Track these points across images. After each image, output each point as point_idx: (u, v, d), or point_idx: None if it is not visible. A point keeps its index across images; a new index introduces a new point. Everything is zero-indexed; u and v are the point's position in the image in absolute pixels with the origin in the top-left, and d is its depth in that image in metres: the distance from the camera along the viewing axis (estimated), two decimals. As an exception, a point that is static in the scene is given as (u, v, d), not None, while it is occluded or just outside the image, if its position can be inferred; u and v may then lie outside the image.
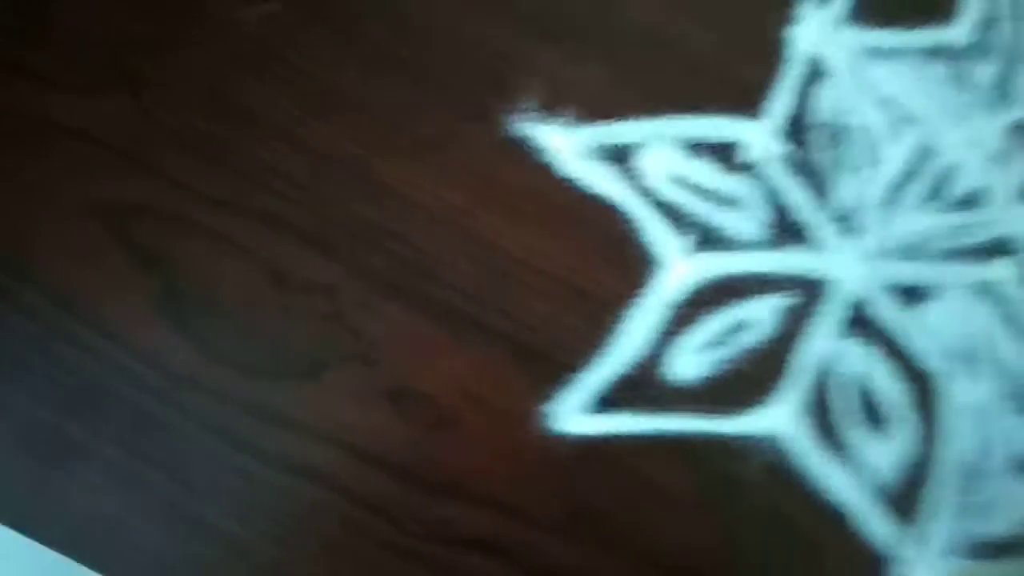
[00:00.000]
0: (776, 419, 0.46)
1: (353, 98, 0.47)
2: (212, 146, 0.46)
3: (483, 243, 0.47)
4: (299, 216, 0.46)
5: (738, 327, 0.47)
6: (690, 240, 0.48)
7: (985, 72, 0.51)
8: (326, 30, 0.48)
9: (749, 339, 0.47)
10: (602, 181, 0.48)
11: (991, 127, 0.50)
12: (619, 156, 0.49)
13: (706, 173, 0.49)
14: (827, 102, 0.50)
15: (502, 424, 0.45)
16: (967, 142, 0.50)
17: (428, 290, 0.46)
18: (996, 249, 0.49)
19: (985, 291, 0.48)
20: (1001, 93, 0.51)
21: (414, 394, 0.45)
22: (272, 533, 0.44)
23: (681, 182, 0.49)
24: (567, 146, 0.48)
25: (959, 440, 0.47)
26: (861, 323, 0.47)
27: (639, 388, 0.46)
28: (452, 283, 0.46)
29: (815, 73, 0.50)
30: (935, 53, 0.51)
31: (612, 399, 0.46)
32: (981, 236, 0.49)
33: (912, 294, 0.48)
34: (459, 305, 0.46)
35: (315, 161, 0.47)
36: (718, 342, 0.47)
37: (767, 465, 0.45)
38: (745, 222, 0.48)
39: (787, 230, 0.48)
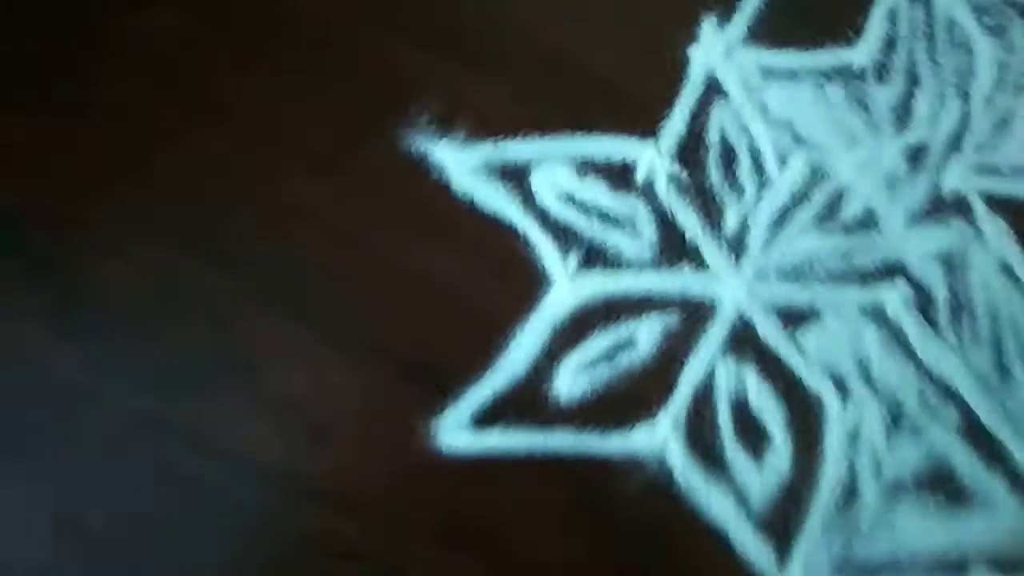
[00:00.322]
0: (656, 438, 0.47)
1: (249, 111, 0.48)
2: (105, 154, 0.48)
3: (375, 258, 0.47)
4: (190, 227, 0.47)
5: (621, 346, 0.48)
6: (577, 259, 0.48)
7: (884, 94, 0.52)
8: (222, 44, 0.49)
9: (632, 358, 0.47)
10: (495, 199, 0.48)
11: (886, 150, 0.51)
12: (513, 174, 0.49)
13: (597, 192, 0.49)
14: (721, 123, 0.50)
15: (384, 438, 0.46)
16: (861, 165, 0.50)
17: (316, 304, 0.47)
18: (885, 272, 0.49)
19: (871, 314, 0.49)
20: (899, 116, 0.51)
21: (298, 407, 0.46)
22: (155, 540, 0.45)
23: (572, 201, 0.49)
24: (462, 163, 0.49)
25: (837, 463, 0.47)
26: (744, 344, 0.48)
27: (522, 405, 0.46)
28: (341, 297, 0.47)
29: (711, 94, 0.51)
30: (833, 74, 0.51)
31: (495, 416, 0.46)
32: (870, 259, 0.49)
33: (797, 316, 0.48)
34: (347, 319, 0.47)
35: (207, 173, 0.48)
36: (601, 361, 0.47)
37: (646, 484, 0.46)
38: (633, 242, 0.49)
39: (674, 250, 0.49)
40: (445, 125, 0.49)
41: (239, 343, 0.46)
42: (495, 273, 0.48)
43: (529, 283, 0.48)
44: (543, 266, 0.48)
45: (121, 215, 0.47)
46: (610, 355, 0.47)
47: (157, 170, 0.47)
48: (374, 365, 0.46)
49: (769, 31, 0.51)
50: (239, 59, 0.48)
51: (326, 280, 0.47)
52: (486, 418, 0.46)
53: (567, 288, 0.48)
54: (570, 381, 0.47)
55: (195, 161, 0.48)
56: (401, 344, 0.46)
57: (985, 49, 0.52)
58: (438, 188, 0.48)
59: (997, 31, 0.52)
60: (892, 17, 0.52)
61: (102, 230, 0.47)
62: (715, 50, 0.50)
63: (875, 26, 0.51)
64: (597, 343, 0.47)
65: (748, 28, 0.51)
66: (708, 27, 0.51)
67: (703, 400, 0.47)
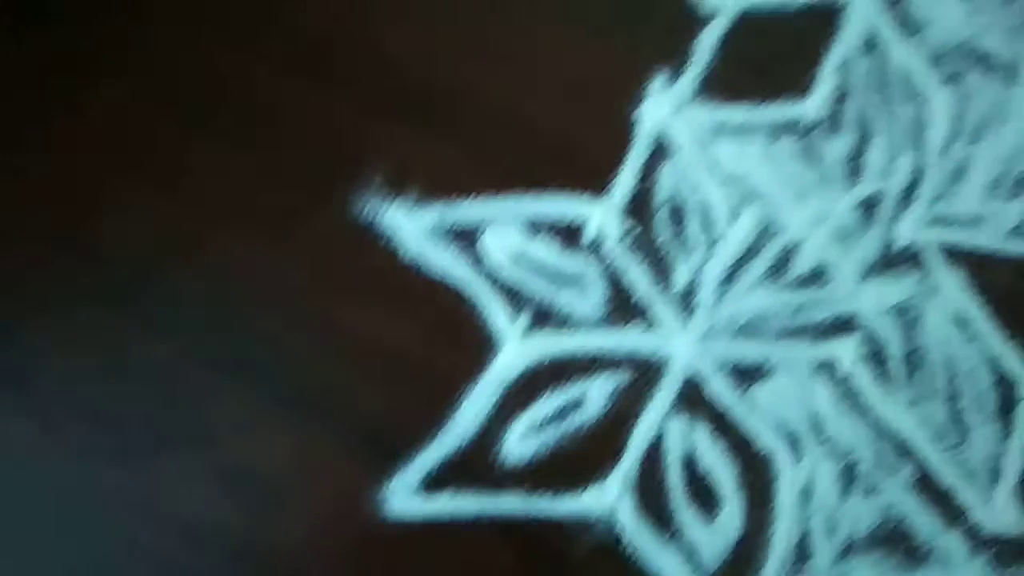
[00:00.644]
0: (606, 499, 0.47)
1: (198, 177, 0.49)
2: (57, 227, 0.49)
3: (325, 324, 0.48)
4: (140, 296, 0.48)
5: (571, 407, 0.48)
6: (527, 319, 0.49)
7: (835, 147, 0.51)
8: (174, 111, 0.50)
9: (582, 419, 0.47)
10: (446, 261, 0.49)
11: (838, 203, 0.50)
12: (463, 235, 0.49)
13: (547, 252, 0.49)
14: (671, 180, 0.50)
15: (334, 504, 0.46)
16: (812, 219, 0.50)
17: (267, 371, 0.47)
18: (836, 327, 0.49)
19: (824, 370, 0.49)
20: (851, 169, 0.51)
21: (249, 473, 0.47)
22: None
23: (522, 261, 0.49)
24: (412, 226, 0.49)
25: (790, 522, 0.47)
26: (695, 402, 0.48)
27: (471, 469, 0.46)
28: (292, 363, 0.47)
29: (661, 150, 0.51)
30: (784, 128, 0.51)
31: (444, 480, 0.46)
32: (821, 314, 0.49)
33: (748, 373, 0.48)
34: (298, 385, 0.47)
35: (158, 240, 0.49)
36: (551, 422, 0.47)
37: (596, 545, 0.46)
38: (583, 301, 0.49)
39: (624, 308, 0.49)
40: (395, 189, 0.49)
41: (190, 410, 0.47)
42: (445, 336, 0.48)
43: (479, 345, 0.48)
44: (493, 327, 0.48)
45: (66, 282, 0.48)
46: (560, 416, 0.48)
47: (104, 238, 0.48)
48: (324, 430, 0.47)
49: (719, 86, 0.51)
50: (188, 129, 0.50)
51: (276, 346, 0.47)
52: (435, 482, 0.46)
53: (517, 349, 0.48)
54: (520, 443, 0.47)
55: (142, 229, 0.49)
56: (351, 409, 0.47)
57: (940, 99, 0.51)
58: (388, 252, 0.49)
59: (952, 80, 0.52)
60: (844, 69, 0.51)
61: (50, 296, 0.48)
62: (665, 107, 0.50)
63: (826, 78, 0.51)
64: (547, 404, 0.47)
65: (698, 84, 0.51)
66: (658, 84, 0.51)
67: (654, 460, 0.47)
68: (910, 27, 0.52)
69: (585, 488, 0.47)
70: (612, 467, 0.47)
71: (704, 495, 0.47)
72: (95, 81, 0.50)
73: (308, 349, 0.47)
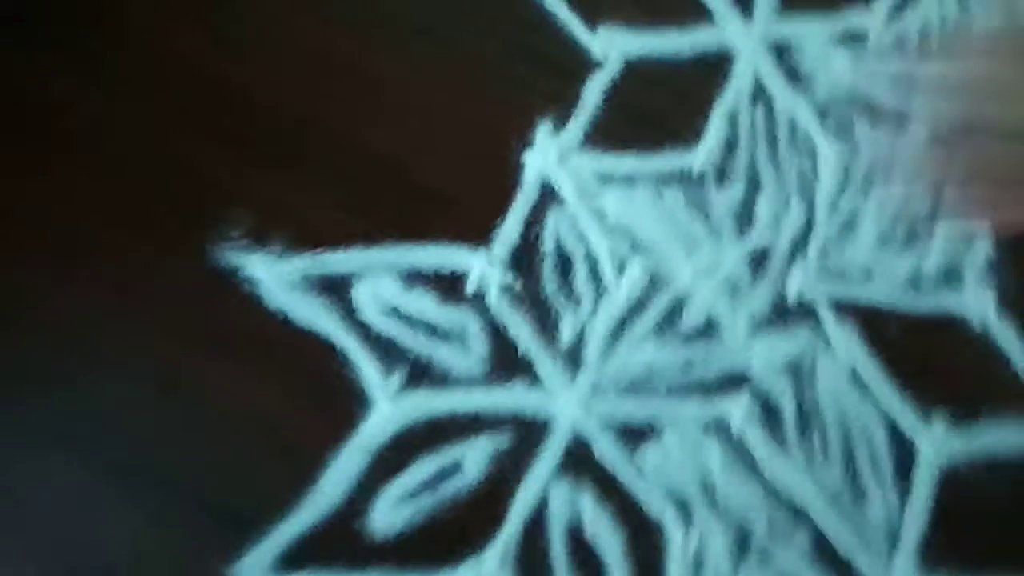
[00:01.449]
0: (485, 572, 0.43)
1: (42, 232, 0.45)
2: None
3: (178, 387, 0.44)
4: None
5: (446, 472, 0.44)
6: (401, 377, 0.45)
7: (724, 199, 0.50)
8: (15, 155, 0.46)
9: (458, 485, 0.44)
10: (313, 314, 0.45)
11: (728, 256, 0.49)
12: (334, 287, 0.46)
13: (424, 305, 0.46)
14: (556, 230, 0.48)
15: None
16: (701, 271, 0.48)
17: (105, 442, 0.43)
18: (727, 384, 0.47)
19: (714, 430, 0.46)
20: (740, 221, 0.50)
21: (79, 557, 0.42)
22: None
23: (397, 314, 0.46)
24: (278, 276, 0.46)
25: (679, 593, 0.44)
26: (579, 465, 0.45)
27: (333, 543, 0.42)
28: (134, 431, 0.43)
29: (546, 200, 0.49)
30: (672, 179, 0.50)
31: (302, 556, 0.42)
32: (711, 371, 0.47)
33: (636, 433, 0.45)
34: (140, 455, 0.43)
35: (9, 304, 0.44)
36: (424, 489, 0.43)
37: (472, 624, 0.43)
38: (462, 357, 0.46)
39: (506, 365, 0.46)
40: (260, 237, 0.46)
41: (24, 486, 0.43)
42: (309, 396, 0.44)
43: (347, 405, 0.44)
44: (364, 385, 0.45)
45: None
46: (434, 483, 0.44)
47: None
48: (170, 505, 0.42)
49: (606, 135, 0.49)
50: (34, 173, 0.45)
51: (116, 412, 0.43)
52: (293, 559, 0.42)
53: (388, 410, 0.44)
54: (389, 514, 0.43)
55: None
56: (200, 481, 0.42)
57: (828, 151, 0.50)
58: (249, 304, 0.45)
59: (840, 132, 0.51)
60: (732, 120, 0.50)
61: None
62: (549, 155, 0.48)
63: (714, 129, 0.50)
64: (419, 470, 0.44)
65: (584, 132, 0.49)
66: (542, 132, 0.49)
67: (535, 529, 0.44)
68: (797, 78, 0.52)
69: (461, 563, 0.43)
70: (491, 537, 0.43)
71: (589, 566, 0.43)
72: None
73: (153, 415, 0.43)
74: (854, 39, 0.52)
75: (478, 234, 0.47)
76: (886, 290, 0.49)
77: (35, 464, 0.42)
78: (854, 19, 0.52)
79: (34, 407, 0.43)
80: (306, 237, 0.46)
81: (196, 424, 0.44)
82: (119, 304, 0.44)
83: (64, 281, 0.44)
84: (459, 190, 0.48)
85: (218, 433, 0.43)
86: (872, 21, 0.52)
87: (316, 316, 0.45)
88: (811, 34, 0.52)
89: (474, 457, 0.44)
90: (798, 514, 0.45)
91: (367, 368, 0.45)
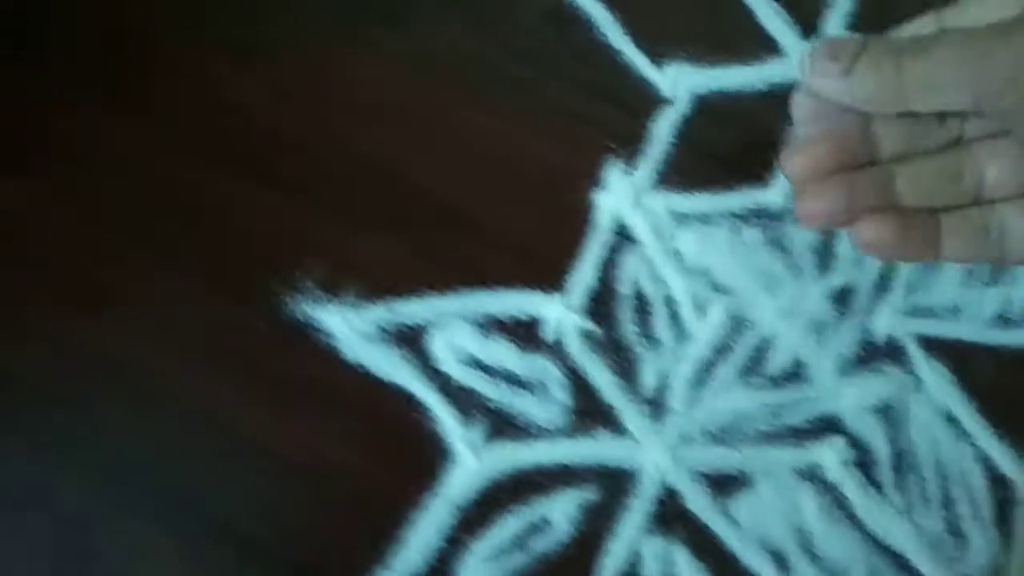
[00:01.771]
0: (577, 633, 0.42)
1: (115, 289, 0.44)
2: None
3: (249, 444, 0.42)
4: (38, 424, 0.42)
5: (535, 528, 0.42)
6: (483, 429, 0.44)
7: (803, 235, 0.49)
8: (80, 216, 0.45)
9: (548, 541, 0.42)
10: (389, 366, 0.44)
11: (810, 295, 0.48)
12: (410, 337, 0.45)
13: (501, 354, 0.45)
14: (633, 273, 0.47)
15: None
16: (784, 311, 0.47)
17: (182, 506, 0.41)
18: (819, 429, 0.45)
19: (808, 477, 0.45)
20: (821, 257, 0.49)
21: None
22: None
23: (475, 364, 0.45)
24: (352, 327, 0.44)
25: (782, 650, 0.42)
26: (671, 518, 0.43)
27: (423, 602, 0.41)
28: (209, 494, 0.41)
29: (621, 242, 0.48)
30: (749, 216, 0.49)
31: (392, 616, 0.41)
32: (801, 415, 0.45)
33: (727, 483, 0.44)
34: (217, 520, 0.41)
35: (76, 364, 0.43)
36: (512, 547, 0.42)
37: None
38: (543, 406, 0.44)
39: (589, 415, 0.44)
40: (333, 287, 0.45)
41: (93, 553, 0.41)
42: (389, 450, 0.43)
43: (429, 460, 0.43)
44: (445, 440, 0.43)
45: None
46: (523, 539, 0.42)
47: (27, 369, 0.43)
48: (248, 565, 0.41)
49: (679, 174, 0.48)
50: (100, 230, 0.44)
51: (198, 474, 0.41)
52: (382, 620, 0.41)
53: (472, 464, 0.43)
54: (479, 572, 0.42)
55: (57, 350, 0.43)
56: (281, 539, 0.41)
57: (906, 184, 0.50)
58: (325, 357, 0.44)
59: (917, 165, 0.51)
60: (807, 154, 0.50)
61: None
62: (623, 196, 0.47)
63: (790, 164, 0.50)
64: (507, 526, 0.42)
65: (656, 171, 0.49)
66: (614, 172, 0.48)
67: (629, 586, 0.43)
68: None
69: (553, 622, 0.42)
70: (583, 596, 0.42)
71: (687, 624, 0.43)
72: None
73: (228, 476, 0.41)
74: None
75: (552, 279, 0.46)
76: (975, 326, 0.47)
77: (109, 525, 0.41)
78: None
79: (120, 465, 0.42)
80: (379, 286, 0.45)
81: (274, 480, 0.42)
82: (193, 356, 0.43)
83: (139, 334, 0.44)
84: (531, 234, 0.46)
85: (296, 489, 0.42)
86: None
87: (394, 367, 0.44)
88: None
89: (562, 511, 0.43)
90: (898, 560, 0.43)
91: (448, 420, 0.43)
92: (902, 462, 0.45)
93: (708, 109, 0.50)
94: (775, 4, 0.51)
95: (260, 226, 0.45)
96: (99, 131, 0.46)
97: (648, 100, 0.49)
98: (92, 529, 0.41)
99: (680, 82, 0.50)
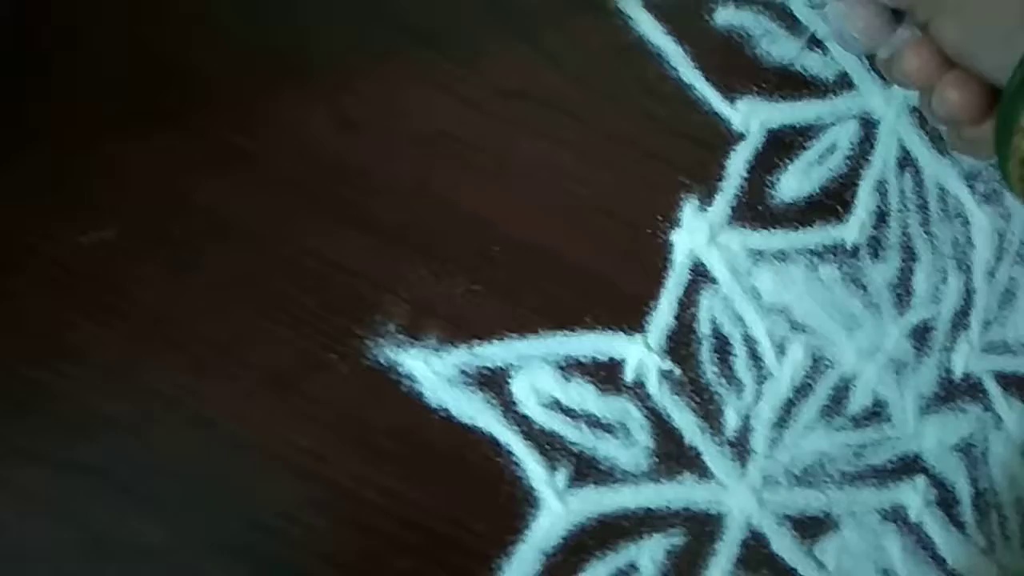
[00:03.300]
0: None
1: (190, 330, 0.43)
2: (32, 393, 0.43)
3: (337, 491, 0.42)
4: (122, 468, 0.41)
5: (622, 574, 0.43)
6: (567, 473, 0.44)
7: (880, 272, 0.49)
8: (161, 257, 0.44)
9: (635, 586, 0.43)
10: (472, 410, 0.43)
11: (889, 333, 0.48)
12: (491, 381, 0.44)
13: (583, 396, 0.44)
14: (711, 312, 0.46)
15: None
16: (864, 350, 0.47)
17: (271, 553, 0.41)
18: (902, 470, 0.46)
19: (892, 518, 0.45)
20: (898, 294, 0.48)
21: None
22: None
23: (557, 407, 0.44)
24: (435, 372, 0.44)
25: None
26: (758, 562, 0.43)
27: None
28: (299, 541, 0.41)
29: (698, 281, 0.47)
30: (826, 253, 0.49)
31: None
32: (883, 455, 0.45)
33: (812, 525, 0.44)
34: (308, 566, 0.41)
35: (145, 403, 0.43)
36: (600, 592, 0.43)
37: None
38: (627, 450, 0.44)
39: (672, 458, 0.44)
40: (412, 331, 0.44)
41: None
42: (474, 496, 0.42)
43: (513, 506, 0.42)
44: (528, 484, 0.43)
45: (47, 459, 0.42)
46: (610, 586, 0.43)
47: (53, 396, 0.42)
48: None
49: (753, 211, 0.48)
50: (171, 272, 0.44)
51: (280, 522, 0.40)
52: (474, 672, 0.41)
53: (558, 508, 0.43)
54: (567, 619, 0.42)
55: (113, 381, 0.43)
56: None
57: (981, 218, 0.49)
58: (408, 402, 0.43)
59: (991, 198, 0.50)
60: (881, 189, 0.49)
61: (23, 476, 0.41)
62: (699, 234, 0.47)
63: (864, 199, 0.48)
64: (595, 574, 0.43)
65: (731, 208, 0.49)
66: (689, 210, 0.48)
67: (718, 632, 0.43)
68: (942, 146, 0.50)
69: (644, 669, 0.42)
70: (672, 643, 0.42)
71: (777, 670, 0.43)
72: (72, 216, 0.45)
73: (315, 522, 0.41)
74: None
75: (632, 319, 0.46)
76: (1052, 362, 0.48)
77: (208, 572, 0.41)
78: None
79: (206, 526, 0.41)
80: (461, 329, 0.44)
81: (358, 527, 0.41)
82: (276, 410, 0.43)
83: (217, 386, 0.43)
84: (608, 275, 0.46)
85: (379, 536, 0.41)
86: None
87: (477, 412, 0.43)
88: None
89: (650, 556, 0.42)
90: (983, 602, 0.44)
91: (532, 464, 0.43)
92: (983, 500, 0.45)
93: (781, 144, 0.50)
94: (846, 36, 0.52)
95: (344, 271, 0.44)
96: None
97: (721, 135, 0.49)
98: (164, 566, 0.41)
99: (752, 116, 0.50)
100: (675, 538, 0.43)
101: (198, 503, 0.41)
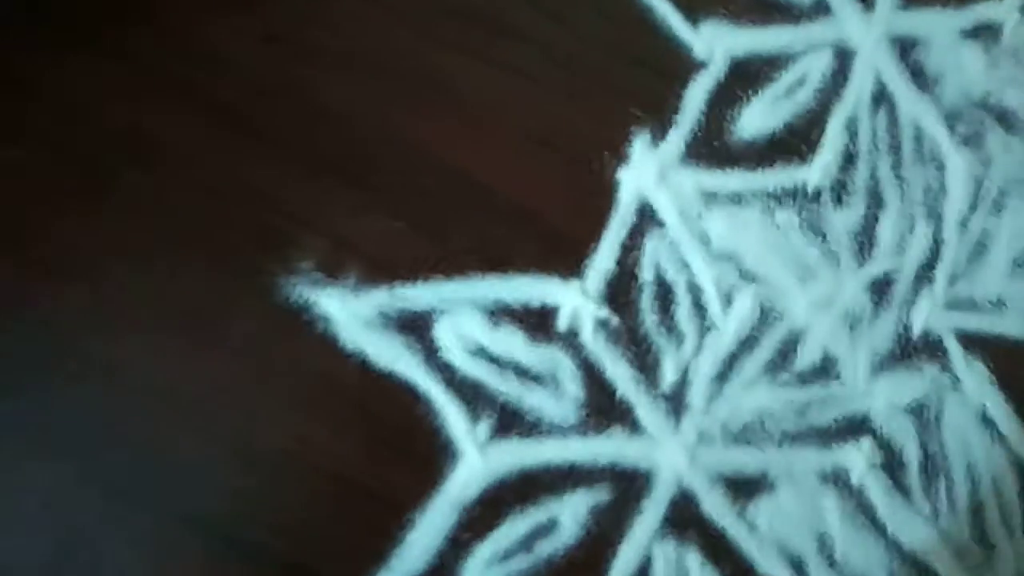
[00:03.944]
0: (584, 638, 0.41)
1: (99, 264, 0.40)
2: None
3: (241, 435, 0.39)
4: (19, 412, 0.40)
5: (542, 530, 0.40)
6: (490, 425, 0.42)
7: (843, 218, 0.45)
8: (71, 181, 0.42)
9: (554, 544, 0.40)
10: (391, 355, 0.41)
11: (847, 285, 0.44)
12: (413, 324, 0.42)
13: (512, 343, 0.42)
14: (656, 257, 0.43)
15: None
16: (817, 303, 0.44)
17: (176, 499, 0.39)
18: (847, 430, 0.43)
19: (832, 481, 0.42)
20: (861, 244, 0.45)
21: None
22: None
23: (483, 355, 0.42)
24: (352, 313, 0.41)
25: (795, 662, 0.41)
26: (685, 522, 0.41)
27: (423, 606, 0.40)
28: (207, 488, 0.39)
29: (644, 223, 0.44)
30: (785, 197, 0.45)
31: (391, 619, 0.40)
32: (829, 415, 0.43)
33: (747, 486, 0.41)
34: (212, 512, 0.39)
35: (54, 340, 0.40)
36: (519, 549, 0.40)
37: None
38: (555, 402, 0.41)
39: (603, 411, 0.41)
40: (332, 269, 0.41)
41: (84, 539, 0.40)
42: (391, 446, 0.40)
43: (431, 457, 0.40)
44: (448, 435, 0.41)
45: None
46: (528, 542, 0.40)
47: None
48: (241, 565, 0.39)
49: (710, 148, 0.44)
50: (88, 197, 0.42)
51: (182, 465, 0.39)
52: (380, 624, 0.40)
53: (477, 461, 0.40)
54: (481, 575, 0.41)
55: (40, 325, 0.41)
56: (275, 538, 0.39)
57: (958, 162, 0.45)
58: (322, 344, 0.41)
59: (972, 141, 0.46)
60: (852, 127, 0.45)
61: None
62: (648, 172, 0.43)
63: (832, 139, 0.45)
64: (513, 528, 0.40)
65: (685, 144, 0.45)
66: (639, 146, 0.44)
67: (639, 591, 0.41)
68: (923, 81, 0.46)
69: (559, 628, 0.41)
70: (591, 601, 0.41)
71: (697, 632, 0.41)
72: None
73: (225, 467, 0.39)
74: (987, 33, 0.47)
75: (570, 263, 0.43)
76: (1021, 322, 0.45)
77: (115, 519, 0.38)
78: (986, 10, 0.47)
79: (109, 465, 0.39)
80: (383, 268, 0.41)
81: (266, 477, 0.40)
82: (181, 351, 0.40)
83: (119, 314, 0.41)
84: (547, 214, 0.43)
85: (287, 484, 0.40)
86: (1006, 13, 0.47)
87: (396, 357, 0.41)
88: (938, 28, 0.46)
89: (571, 513, 0.41)
90: (923, 570, 0.41)
91: (453, 415, 0.41)
92: (932, 466, 0.42)
93: (746, 75, 0.46)
94: (825, -45, 0.47)
95: (254, 201, 0.41)
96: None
97: (680, 63, 0.45)
98: (67, 514, 0.40)
99: (717, 43, 0.46)
100: (600, 494, 0.41)
101: (96, 445, 0.39)
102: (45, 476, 0.38)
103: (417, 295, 0.42)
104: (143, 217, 0.41)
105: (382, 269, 0.42)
